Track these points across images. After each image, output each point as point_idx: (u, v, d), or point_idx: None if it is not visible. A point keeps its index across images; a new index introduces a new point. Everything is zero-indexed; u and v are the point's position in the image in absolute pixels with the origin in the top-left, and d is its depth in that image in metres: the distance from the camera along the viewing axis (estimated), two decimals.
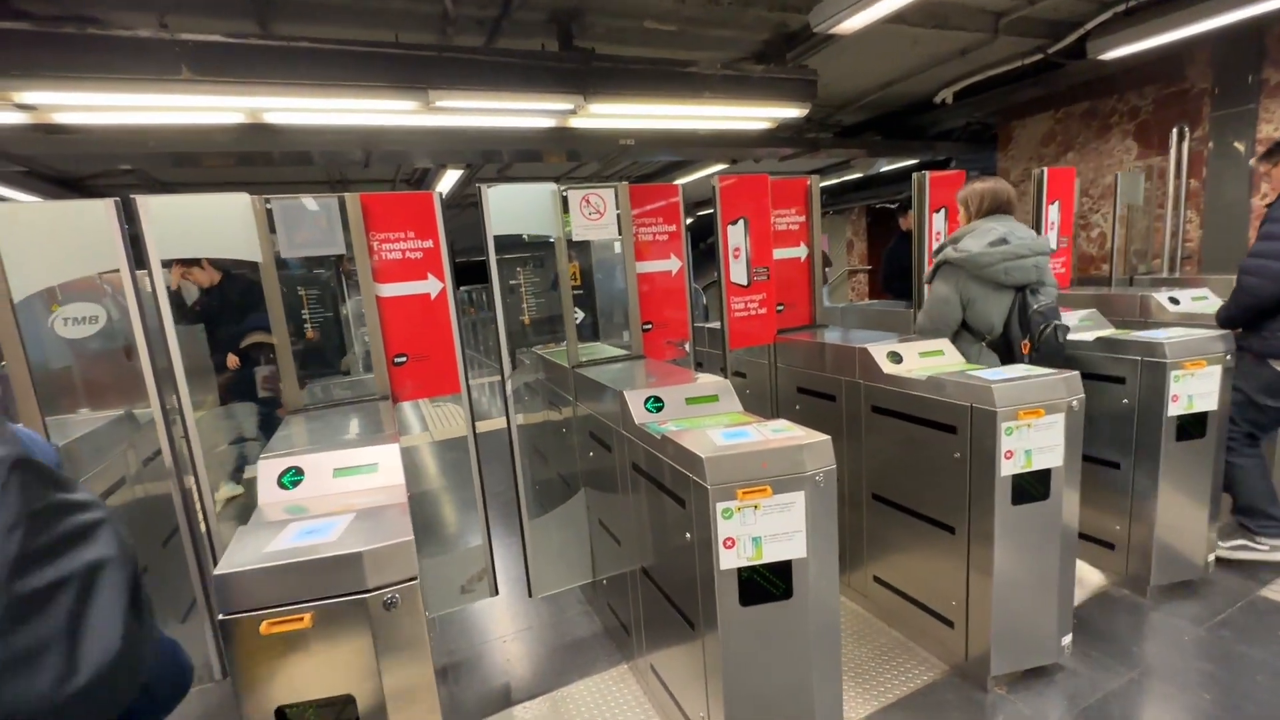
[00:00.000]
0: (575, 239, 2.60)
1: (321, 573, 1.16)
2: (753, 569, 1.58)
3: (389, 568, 1.19)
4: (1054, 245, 3.53)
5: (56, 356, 2.16)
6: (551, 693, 2.33)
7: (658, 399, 2.01)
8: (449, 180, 6.29)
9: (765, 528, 1.55)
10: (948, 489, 2.14)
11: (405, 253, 2.34)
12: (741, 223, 2.84)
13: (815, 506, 1.57)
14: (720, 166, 6.61)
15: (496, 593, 2.63)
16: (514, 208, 2.47)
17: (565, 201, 2.55)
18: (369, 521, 1.32)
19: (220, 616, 1.13)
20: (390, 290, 2.33)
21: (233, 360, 3.20)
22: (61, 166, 4.24)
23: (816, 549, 1.59)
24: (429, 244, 2.37)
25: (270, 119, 2.70)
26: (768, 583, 1.59)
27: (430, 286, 2.39)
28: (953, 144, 6.58)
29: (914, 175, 3.34)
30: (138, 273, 2.01)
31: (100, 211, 1.96)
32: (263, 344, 3.09)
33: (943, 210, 3.35)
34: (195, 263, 3.21)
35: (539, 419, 3.36)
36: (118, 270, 1.98)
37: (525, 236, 2.76)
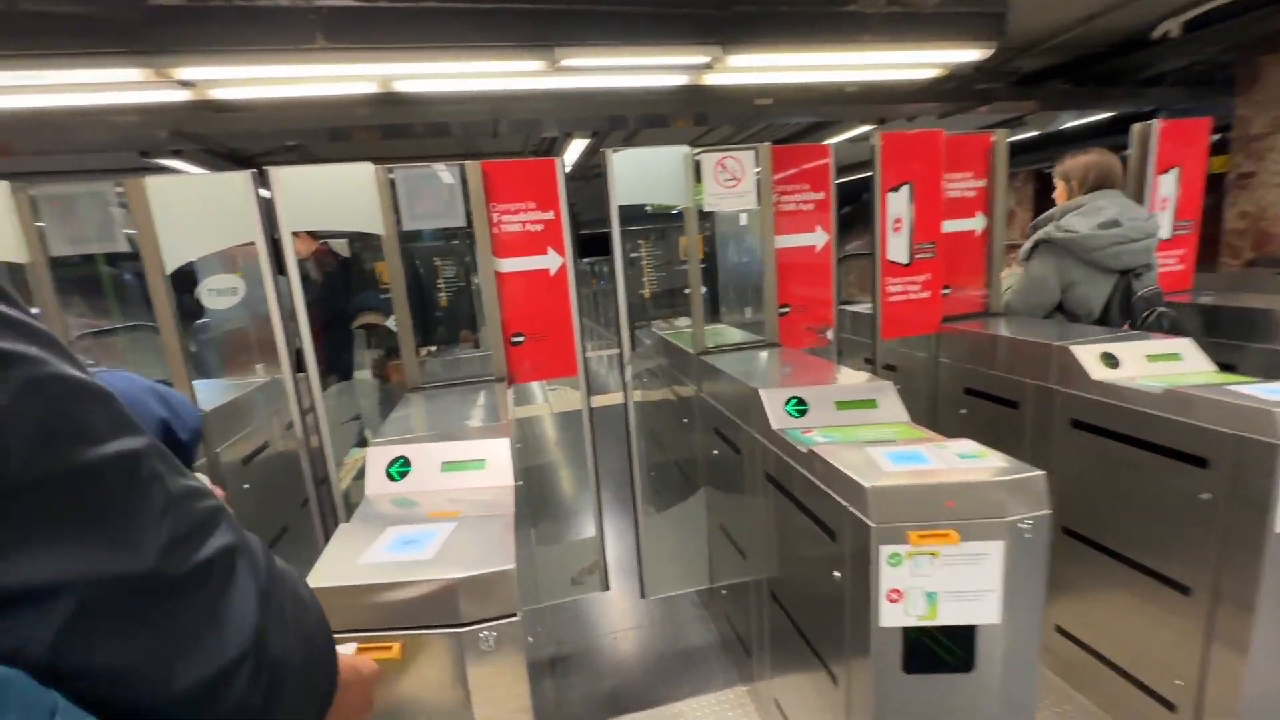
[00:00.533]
0: (706, 209, 2.31)
1: (412, 598, 1.00)
2: (923, 630, 1.25)
3: (487, 600, 1.01)
4: None
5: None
6: (662, 706, 2.14)
7: (801, 401, 1.69)
8: (575, 151, 6.20)
9: (945, 582, 1.21)
10: (1185, 537, 1.64)
11: (525, 225, 2.18)
12: (905, 189, 2.38)
13: (1018, 562, 1.20)
14: (865, 128, 5.93)
15: (608, 588, 2.49)
16: (640, 174, 2.22)
17: (697, 168, 2.26)
18: (471, 534, 1.16)
19: None
20: (509, 265, 2.19)
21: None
22: (232, 144, 4.62)
23: (1014, 615, 1.22)
24: (550, 215, 2.19)
25: (401, 87, 2.66)
26: (942, 649, 1.25)
27: (550, 262, 2.22)
28: (1167, 90, 5.38)
29: (1135, 127, 2.65)
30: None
31: (239, 184, 1.97)
32: (374, 325, 3.13)
33: (1173, 171, 2.64)
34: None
35: (659, 395, 3.14)
36: (253, 242, 1.99)
37: (648, 208, 2.54)
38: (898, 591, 1.22)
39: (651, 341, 3.08)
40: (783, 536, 1.71)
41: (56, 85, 2.20)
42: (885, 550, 1.21)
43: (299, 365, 2.09)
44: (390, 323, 2.17)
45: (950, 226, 2.50)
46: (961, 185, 2.52)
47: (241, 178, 1.97)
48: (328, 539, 1.31)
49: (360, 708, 0.65)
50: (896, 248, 2.43)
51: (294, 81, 2.43)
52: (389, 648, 0.99)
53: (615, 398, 2.90)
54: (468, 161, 2.07)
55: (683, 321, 3.34)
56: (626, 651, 2.48)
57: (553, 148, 6.28)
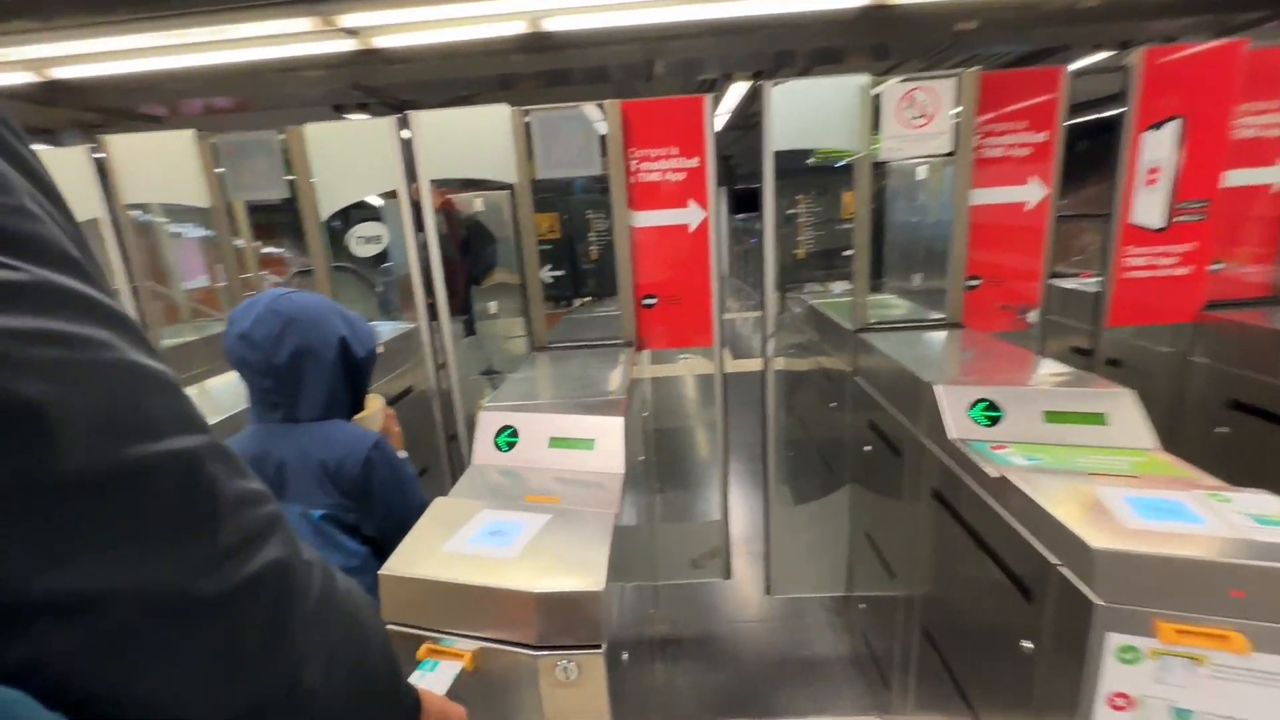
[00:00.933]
0: (882, 158, 1.90)
1: (489, 606, 0.87)
2: None
3: (569, 624, 0.85)
4: None
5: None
6: (780, 719, 1.93)
7: (992, 405, 1.31)
8: (734, 97, 5.75)
9: (1211, 701, 0.83)
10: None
11: (666, 173, 1.95)
12: (1171, 126, 1.77)
13: None
14: (1098, 56, 4.78)
15: (729, 576, 2.29)
16: (805, 113, 1.87)
17: (875, 107, 1.84)
18: (565, 532, 1.00)
19: (388, 624, 0.93)
20: (645, 219, 1.98)
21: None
22: (404, 96, 4.86)
23: None
24: (694, 163, 1.93)
25: (548, 26, 2.51)
26: None
27: (690, 216, 1.98)
28: None
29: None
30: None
31: (384, 129, 1.95)
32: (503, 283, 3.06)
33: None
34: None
35: (807, 365, 2.79)
36: (394, 191, 1.98)
37: (811, 159, 2.19)
38: (1127, 698, 0.87)
39: (801, 310, 2.73)
40: (946, 568, 1.37)
41: (233, 40, 2.34)
42: (1114, 639, 0.85)
43: (434, 315, 2.09)
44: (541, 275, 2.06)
45: (1236, 179, 1.83)
46: (1262, 121, 1.83)
47: (387, 123, 1.95)
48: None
49: None
50: (1147, 206, 1.84)
51: (445, 25, 2.38)
52: (461, 655, 0.87)
53: (758, 364, 2.64)
54: (606, 102, 1.87)
55: (840, 287, 2.92)
56: (744, 647, 2.28)
57: (712, 91, 5.89)
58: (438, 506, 1.13)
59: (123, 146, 1.94)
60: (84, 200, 1.96)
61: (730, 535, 2.22)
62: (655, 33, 3.43)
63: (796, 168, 2.50)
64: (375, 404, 1.43)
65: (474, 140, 1.93)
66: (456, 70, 4.04)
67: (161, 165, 1.95)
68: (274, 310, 1.13)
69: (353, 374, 1.21)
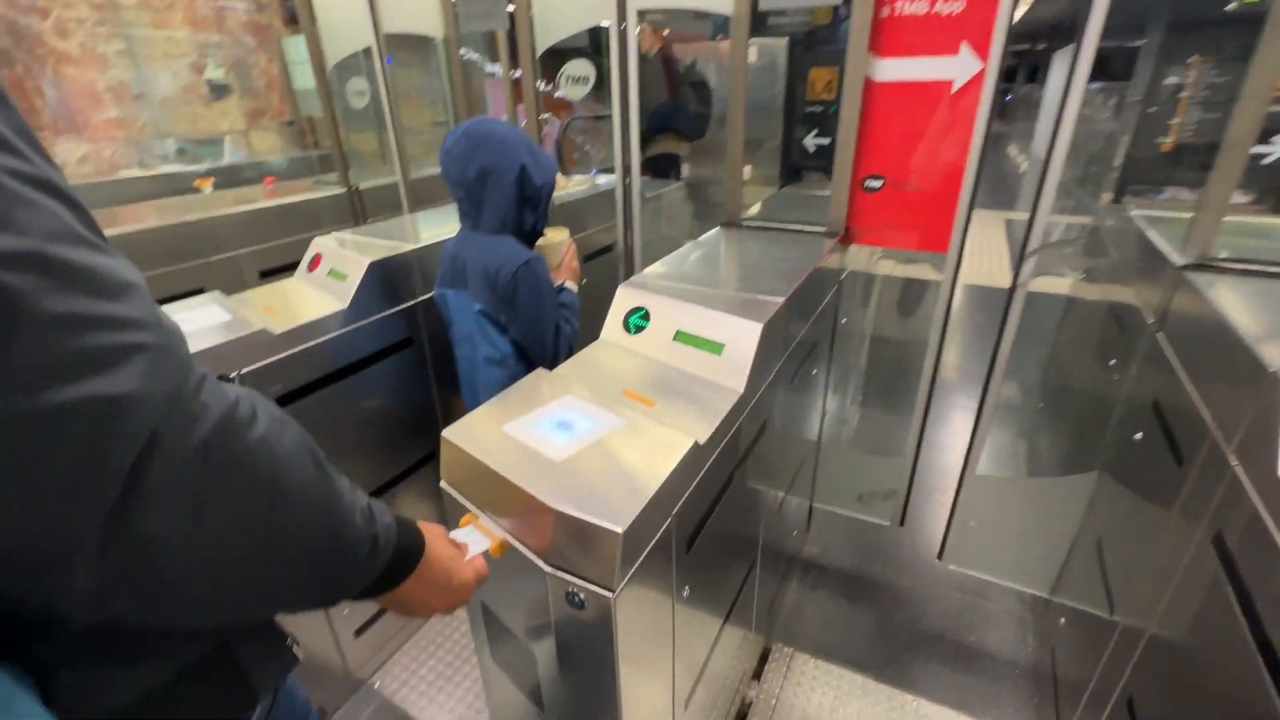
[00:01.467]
0: None
1: (515, 503, 0.79)
2: None
3: (583, 557, 0.74)
4: None
5: None
6: (908, 694, 1.69)
7: None
8: None
9: None
10: None
11: (937, 2, 1.41)
12: None
13: None
14: None
15: (902, 524, 1.97)
16: None
17: None
18: (632, 448, 0.86)
19: (441, 482, 0.93)
20: (890, 69, 1.50)
21: None
22: None
23: None
24: None
25: None
26: None
27: (957, 68, 1.44)
28: None
29: None
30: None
31: None
32: (669, 154, 2.63)
33: None
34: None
35: (1096, 293, 2.05)
36: (606, 25, 1.79)
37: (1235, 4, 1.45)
38: None
39: (1115, 224, 1.95)
40: (1193, 644, 0.92)
41: None
42: None
43: (627, 172, 1.95)
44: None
45: None
46: None
47: None
48: None
49: (432, 598, 0.63)
50: None
51: None
52: (490, 538, 0.83)
53: (1047, 283, 2.00)
54: None
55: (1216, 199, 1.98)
56: (897, 604, 2.00)
57: None
58: (533, 379, 1.07)
59: None
60: (358, 30, 2.16)
61: (917, 482, 1.86)
62: None
63: (1204, 19, 1.72)
64: (561, 235, 1.54)
65: None
66: None
67: None
68: (469, 133, 1.31)
69: (530, 200, 1.36)
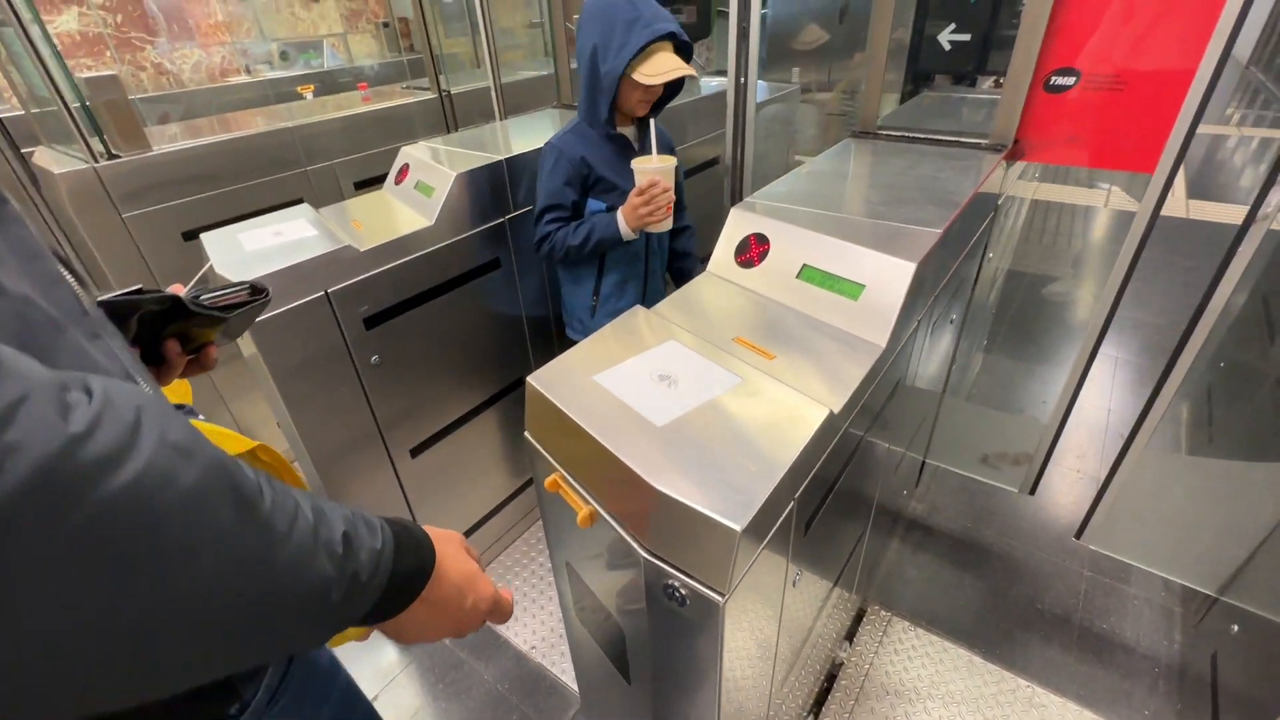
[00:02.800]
0: None
1: (608, 472, 0.67)
2: None
3: (690, 549, 0.61)
4: None
5: None
6: (1020, 677, 1.52)
7: None
8: None
9: None
10: None
11: None
12: None
13: None
14: None
15: (1033, 492, 1.73)
16: None
17: None
18: (747, 414, 0.71)
19: (525, 432, 0.82)
20: None
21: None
22: None
23: None
24: None
25: None
26: None
27: None
28: None
29: None
30: None
31: None
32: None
33: None
34: None
35: None
36: None
37: None
38: None
39: None
40: None
41: None
42: None
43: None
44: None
45: None
46: None
47: None
48: None
49: (438, 624, 0.50)
50: None
51: None
52: (578, 508, 0.72)
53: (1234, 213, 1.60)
54: None
55: None
56: (1019, 579, 1.79)
57: None
58: (630, 317, 0.92)
59: None
60: None
61: (1058, 448, 1.60)
62: None
63: None
64: (667, 161, 1.24)
65: None
66: None
67: None
68: (585, 5, 1.22)
69: (600, 85, 1.22)
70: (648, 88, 1.21)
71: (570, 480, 0.75)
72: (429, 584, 0.47)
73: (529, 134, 1.80)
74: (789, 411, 0.70)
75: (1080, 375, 1.49)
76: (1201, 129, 1.11)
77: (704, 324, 0.90)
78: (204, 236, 1.25)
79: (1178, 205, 4.25)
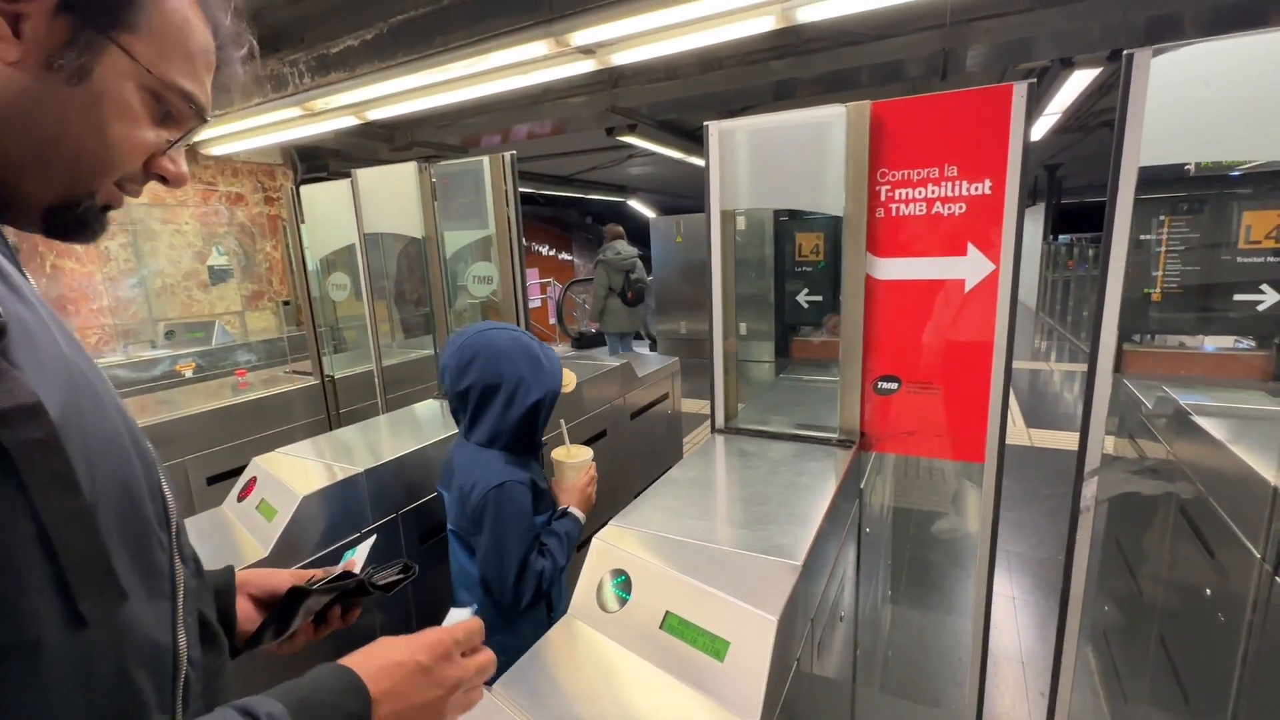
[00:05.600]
0: None
1: None
2: None
3: None
4: None
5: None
6: None
7: None
8: (1072, 90, 4.38)
9: None
10: None
11: (934, 205, 1.32)
12: None
13: None
14: None
15: None
16: (1196, 97, 1.06)
17: None
18: None
19: None
20: (893, 269, 1.37)
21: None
22: (663, 116, 4.74)
23: None
24: (983, 188, 1.27)
25: (803, 16, 2.01)
26: None
27: (969, 268, 1.31)
28: None
29: None
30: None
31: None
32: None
33: None
34: None
35: (1151, 489, 1.77)
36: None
37: (1190, 167, 1.56)
38: None
39: (1165, 418, 1.73)
40: None
41: (487, 72, 2.37)
42: None
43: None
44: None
45: None
46: None
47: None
48: None
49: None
50: None
51: (685, 29, 2.06)
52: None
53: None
54: (852, 104, 1.32)
55: (1216, 344, 1.78)
56: None
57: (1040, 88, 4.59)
58: None
59: (366, 180, 2.06)
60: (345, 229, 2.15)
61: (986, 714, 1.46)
62: (961, 8, 2.65)
63: (1163, 178, 1.74)
64: (582, 455, 1.39)
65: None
66: (712, 85, 3.79)
67: (391, 197, 2.02)
68: (466, 345, 1.26)
69: (528, 413, 1.26)
70: None
71: None
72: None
73: (405, 434, 1.75)
74: None
75: (984, 624, 1.43)
76: (1023, 366, 1.24)
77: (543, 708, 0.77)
78: None
79: (1019, 435, 4.79)
